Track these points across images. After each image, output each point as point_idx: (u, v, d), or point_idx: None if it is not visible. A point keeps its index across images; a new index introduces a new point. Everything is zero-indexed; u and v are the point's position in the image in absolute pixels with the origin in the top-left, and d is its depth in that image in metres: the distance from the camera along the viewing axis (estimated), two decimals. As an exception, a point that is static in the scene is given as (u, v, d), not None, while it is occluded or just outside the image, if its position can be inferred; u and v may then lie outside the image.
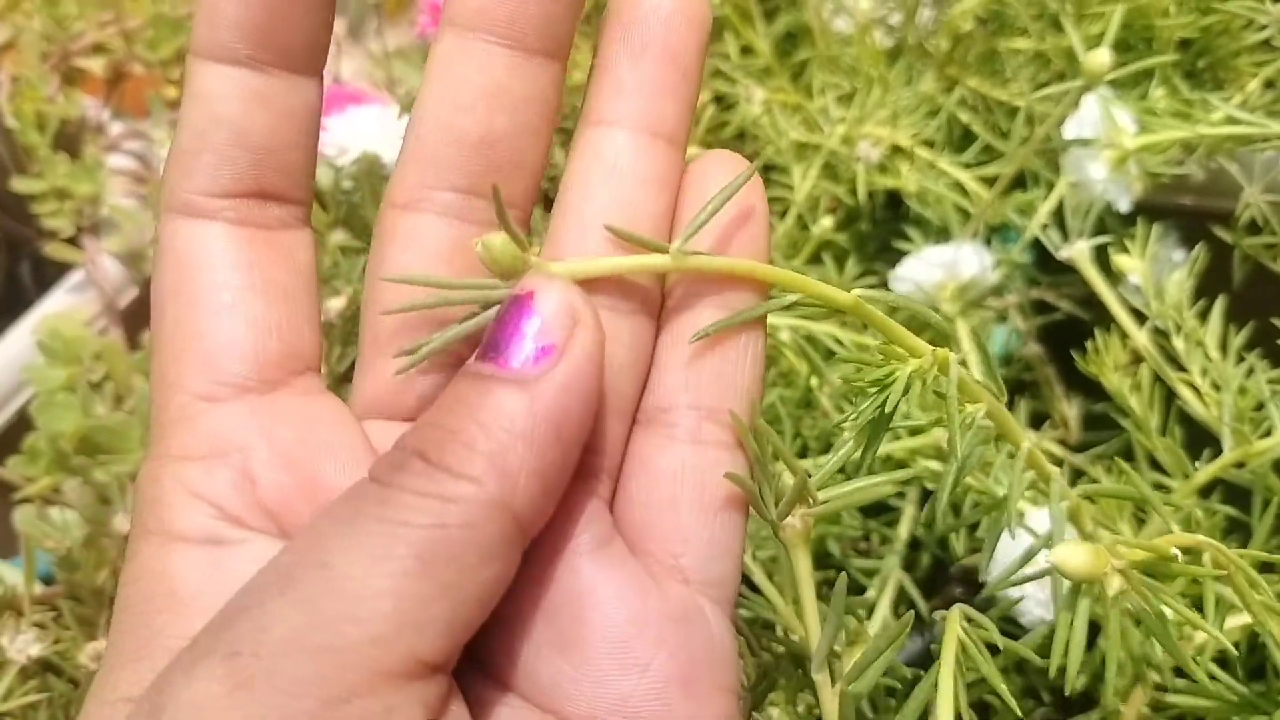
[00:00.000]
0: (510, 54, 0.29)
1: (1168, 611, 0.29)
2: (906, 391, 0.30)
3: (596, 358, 0.27)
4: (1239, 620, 0.40)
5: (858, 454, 0.32)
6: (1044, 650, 0.35)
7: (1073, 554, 0.26)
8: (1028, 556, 0.35)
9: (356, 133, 0.54)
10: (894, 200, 0.67)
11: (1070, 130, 0.50)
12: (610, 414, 0.30)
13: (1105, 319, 0.53)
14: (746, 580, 0.43)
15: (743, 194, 0.30)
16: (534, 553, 0.28)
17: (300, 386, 0.30)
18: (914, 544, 0.57)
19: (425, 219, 0.30)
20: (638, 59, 0.29)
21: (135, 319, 0.76)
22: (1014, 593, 0.43)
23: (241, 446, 0.28)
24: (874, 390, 0.30)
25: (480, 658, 0.28)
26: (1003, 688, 0.29)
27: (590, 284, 0.29)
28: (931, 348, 0.31)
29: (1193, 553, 0.31)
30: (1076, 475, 0.56)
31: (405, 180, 0.30)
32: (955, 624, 0.31)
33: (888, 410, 0.30)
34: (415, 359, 0.29)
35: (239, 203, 0.29)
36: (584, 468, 0.29)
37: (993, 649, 0.34)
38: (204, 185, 0.29)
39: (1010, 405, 0.58)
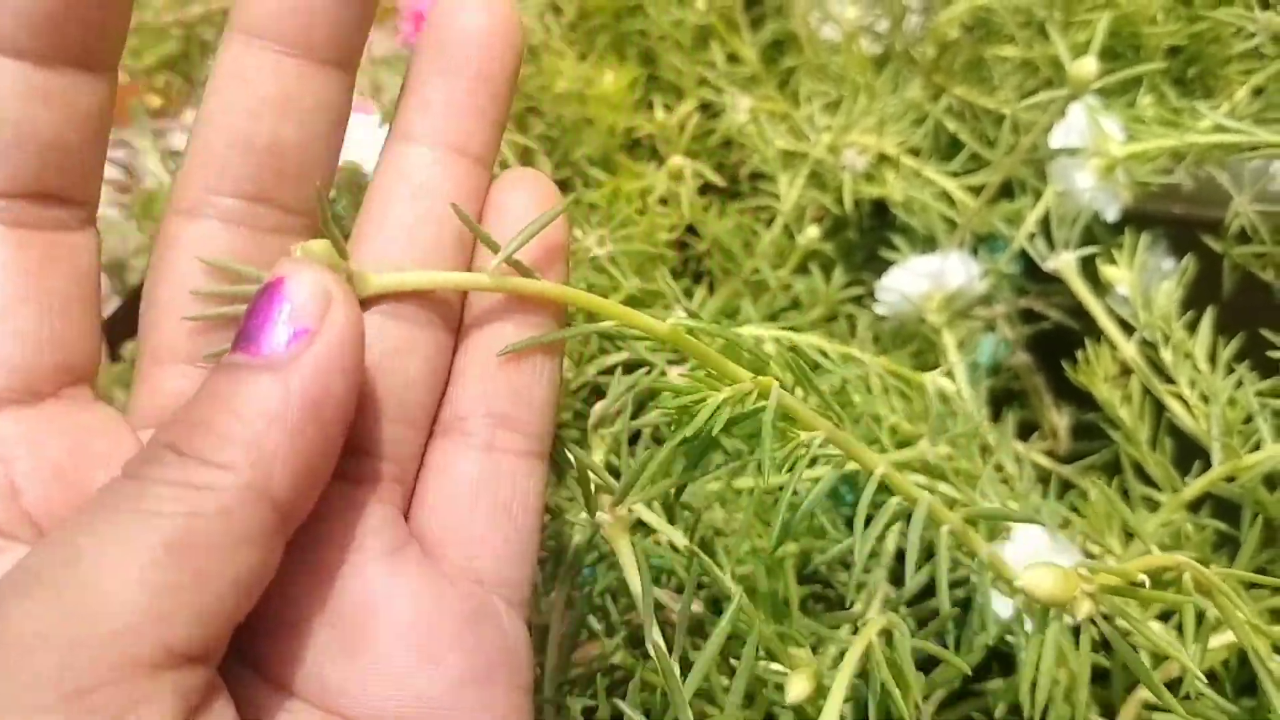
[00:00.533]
0: (299, 63, 0.29)
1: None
2: (714, 416, 0.31)
3: (353, 338, 0.26)
4: (1227, 637, 0.40)
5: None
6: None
7: (1041, 578, 0.26)
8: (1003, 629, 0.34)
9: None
10: (882, 209, 0.67)
11: (1057, 139, 0.49)
12: (406, 424, 0.30)
13: (1095, 328, 0.52)
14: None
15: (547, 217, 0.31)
16: (320, 560, 0.28)
17: (72, 397, 0.29)
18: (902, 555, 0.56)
19: (209, 225, 0.29)
20: (447, 78, 0.30)
21: (118, 329, 0.75)
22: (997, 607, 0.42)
23: (4, 458, 0.27)
24: (686, 416, 0.31)
25: (263, 664, 0.28)
26: (896, 692, 0.30)
27: (391, 296, 0.30)
28: (753, 375, 0.31)
29: (1172, 573, 0.30)
30: (1066, 486, 0.56)
31: (189, 186, 0.29)
32: (870, 632, 0.30)
33: (692, 435, 0.31)
34: (203, 316, 0.29)
35: (16, 203, 0.28)
36: (376, 475, 0.30)
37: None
38: None
39: (998, 415, 0.58)
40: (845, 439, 0.34)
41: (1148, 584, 0.27)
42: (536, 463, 0.31)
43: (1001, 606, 0.42)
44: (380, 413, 0.30)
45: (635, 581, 0.32)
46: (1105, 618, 0.29)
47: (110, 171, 0.83)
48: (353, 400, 0.27)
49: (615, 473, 0.45)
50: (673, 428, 0.32)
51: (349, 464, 0.29)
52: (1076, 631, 0.29)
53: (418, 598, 0.29)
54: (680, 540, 0.42)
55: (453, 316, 0.31)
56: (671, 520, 0.47)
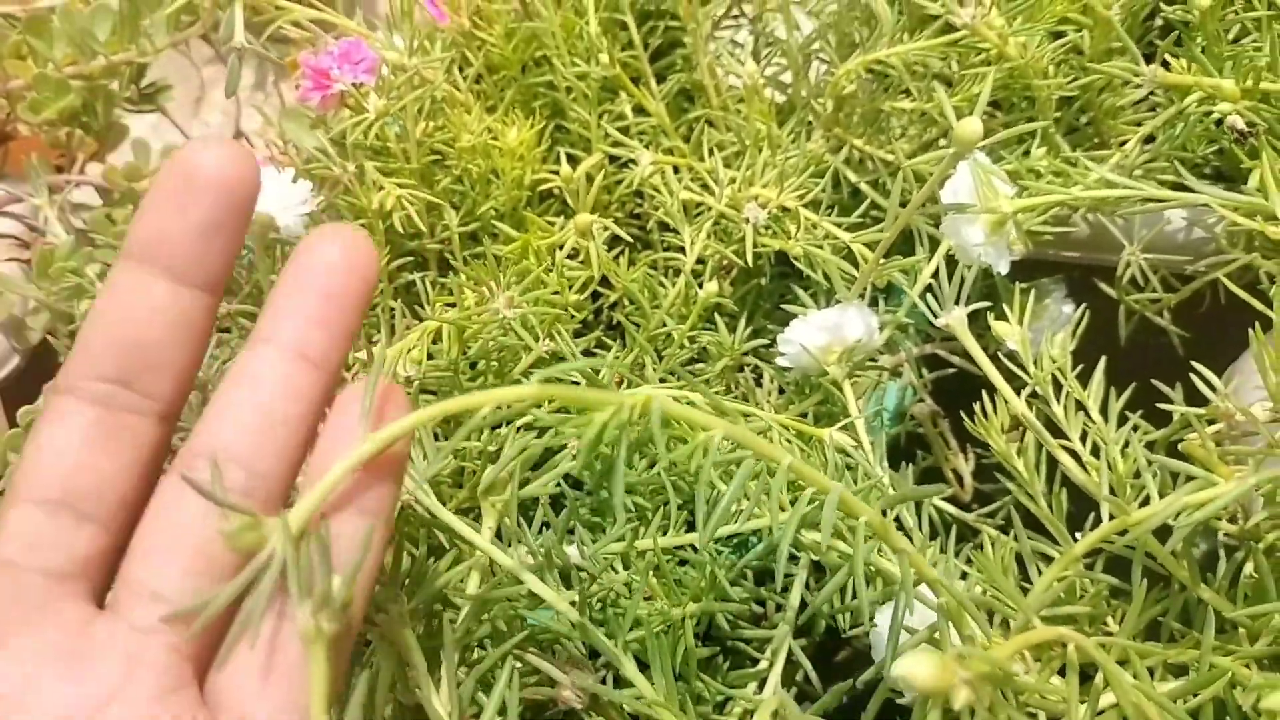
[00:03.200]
0: (169, 284, 0.34)
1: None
2: (603, 430, 0.32)
3: None
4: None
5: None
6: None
7: (918, 666, 0.26)
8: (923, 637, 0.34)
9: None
10: (789, 259, 0.67)
11: (946, 195, 0.50)
12: (207, 578, 0.33)
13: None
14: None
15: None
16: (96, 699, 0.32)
17: None
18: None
19: (78, 402, 0.34)
20: (300, 294, 0.35)
21: (15, 392, 0.73)
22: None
23: None
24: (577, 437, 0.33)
25: None
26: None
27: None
28: (631, 395, 0.33)
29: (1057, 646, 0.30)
30: (971, 532, 0.56)
31: (70, 373, 0.34)
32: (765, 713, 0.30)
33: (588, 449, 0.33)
34: (194, 620, 0.31)
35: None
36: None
37: None
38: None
39: (898, 464, 0.58)
40: (743, 434, 0.34)
41: (1026, 669, 0.27)
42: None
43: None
44: (190, 569, 0.33)
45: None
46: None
47: (9, 227, 0.81)
48: None
49: (507, 540, 0.45)
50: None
51: (139, 612, 0.33)
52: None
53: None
54: (566, 609, 0.42)
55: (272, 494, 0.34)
56: (568, 585, 0.46)
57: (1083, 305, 0.55)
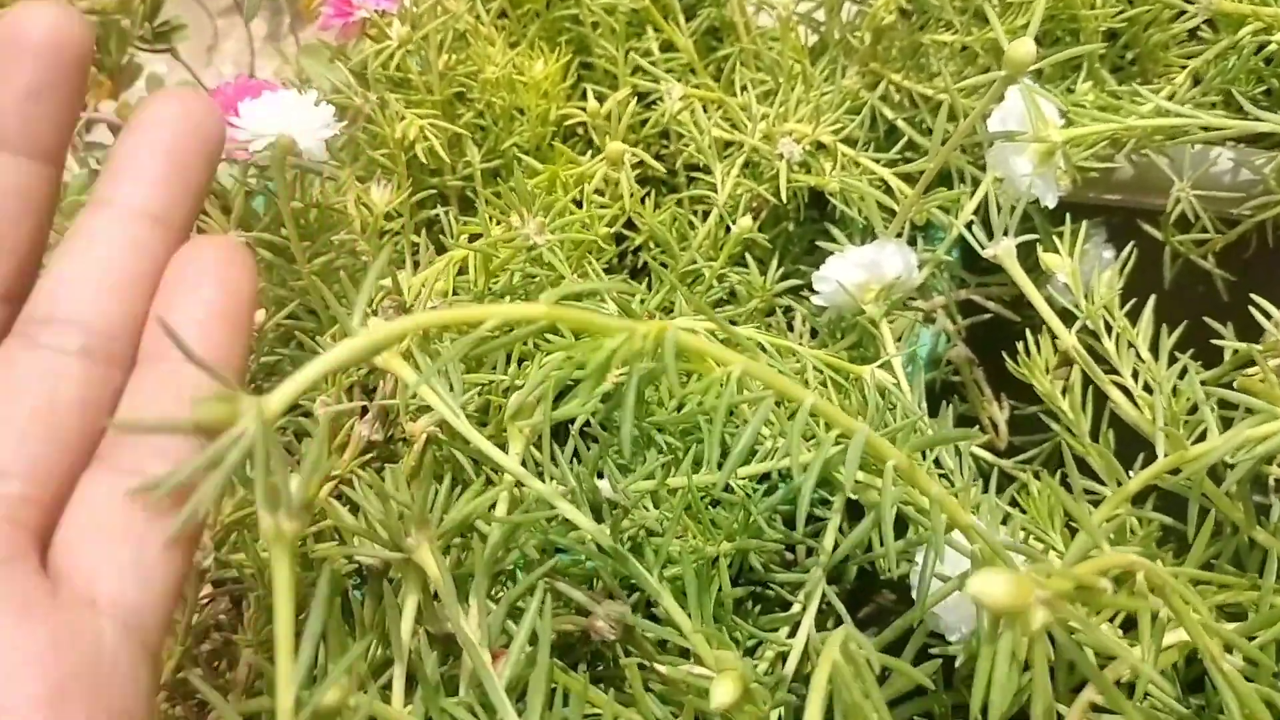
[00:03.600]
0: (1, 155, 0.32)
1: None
2: (609, 359, 0.31)
3: None
4: (1179, 635, 0.38)
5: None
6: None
7: (993, 584, 0.24)
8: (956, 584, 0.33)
9: (271, 117, 0.51)
10: (821, 200, 0.65)
11: (994, 123, 0.48)
12: (57, 449, 0.31)
13: (1035, 319, 0.51)
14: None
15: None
16: None
17: None
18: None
19: None
20: (139, 153, 0.33)
21: None
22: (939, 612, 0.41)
23: None
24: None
25: None
26: (873, 716, 0.27)
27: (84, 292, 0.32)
28: (645, 324, 0.31)
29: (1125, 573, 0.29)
30: (1006, 480, 0.54)
31: None
32: (833, 649, 0.28)
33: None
34: (151, 492, 0.29)
35: None
36: (13, 496, 0.30)
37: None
38: None
39: (936, 409, 0.57)
40: (764, 370, 0.32)
41: (1109, 587, 0.25)
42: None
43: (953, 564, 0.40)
44: (27, 432, 0.30)
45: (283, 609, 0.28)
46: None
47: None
48: None
49: (539, 469, 0.43)
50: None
51: None
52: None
53: None
54: (605, 540, 0.40)
55: (125, 352, 0.32)
56: (599, 519, 0.45)
57: (1130, 244, 0.53)
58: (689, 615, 0.40)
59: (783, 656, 0.48)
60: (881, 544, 0.46)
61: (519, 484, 0.40)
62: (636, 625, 0.40)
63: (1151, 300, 0.48)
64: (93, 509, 0.31)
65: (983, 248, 0.48)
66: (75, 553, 0.30)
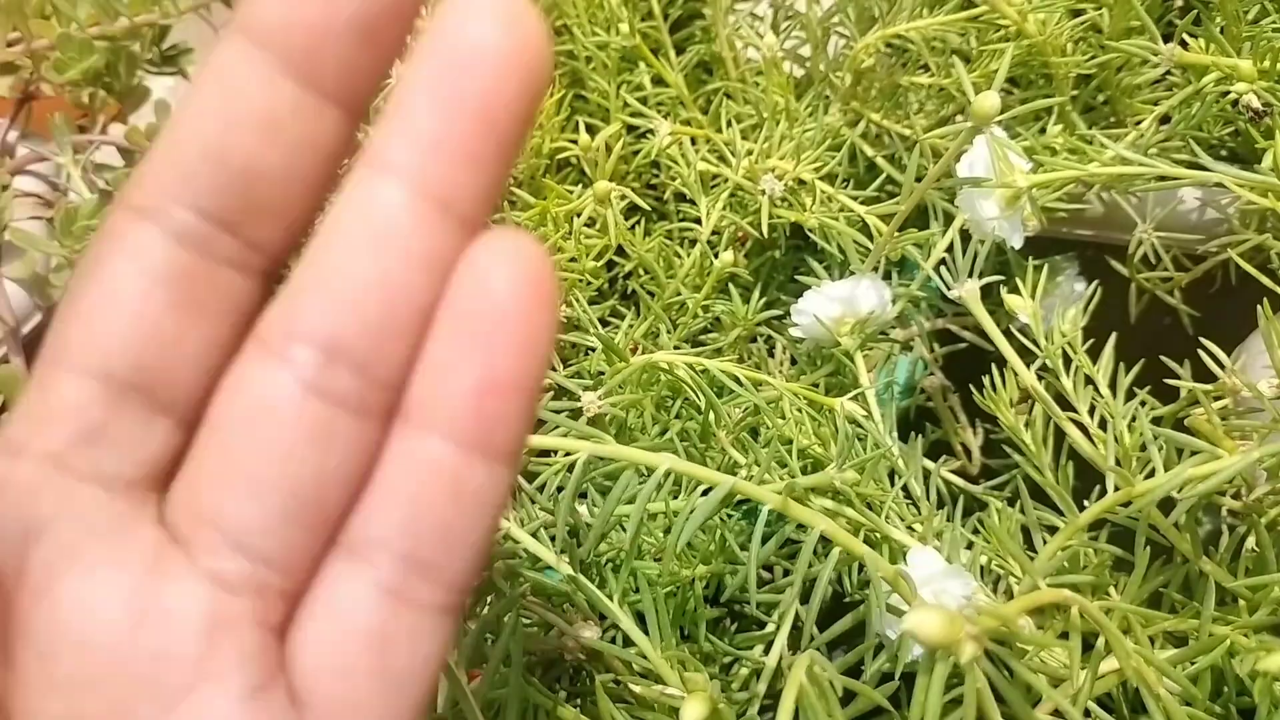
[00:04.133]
0: (298, 90, 0.24)
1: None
2: None
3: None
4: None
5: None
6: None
7: (927, 620, 0.27)
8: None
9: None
10: (804, 232, 0.68)
11: (963, 169, 0.50)
12: (305, 527, 0.24)
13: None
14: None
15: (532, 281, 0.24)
16: (163, 679, 0.23)
17: None
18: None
19: (161, 237, 0.24)
20: (443, 109, 0.24)
21: (38, 347, 0.74)
22: (891, 632, 0.43)
23: None
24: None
25: None
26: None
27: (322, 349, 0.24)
28: None
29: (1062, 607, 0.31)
30: (979, 505, 0.57)
31: (148, 185, 0.24)
32: (799, 672, 0.31)
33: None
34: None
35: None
36: (260, 585, 0.24)
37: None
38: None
39: (913, 435, 0.59)
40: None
41: (1029, 626, 0.28)
42: (446, 619, 0.25)
43: (892, 630, 0.43)
44: (279, 508, 0.24)
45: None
46: (990, 655, 0.29)
47: (33, 186, 0.82)
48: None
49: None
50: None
51: (225, 563, 0.24)
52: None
53: None
54: (564, 568, 0.43)
55: (384, 401, 0.25)
56: (579, 543, 0.47)
57: (1094, 283, 0.55)
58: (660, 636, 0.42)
59: (757, 673, 0.50)
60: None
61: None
62: (600, 648, 0.42)
63: (1113, 338, 0.51)
64: (343, 626, 0.25)
65: (948, 288, 0.51)
66: (319, 672, 0.25)
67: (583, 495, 0.50)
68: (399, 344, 0.24)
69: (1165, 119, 0.62)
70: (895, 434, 0.56)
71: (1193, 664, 0.41)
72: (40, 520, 0.23)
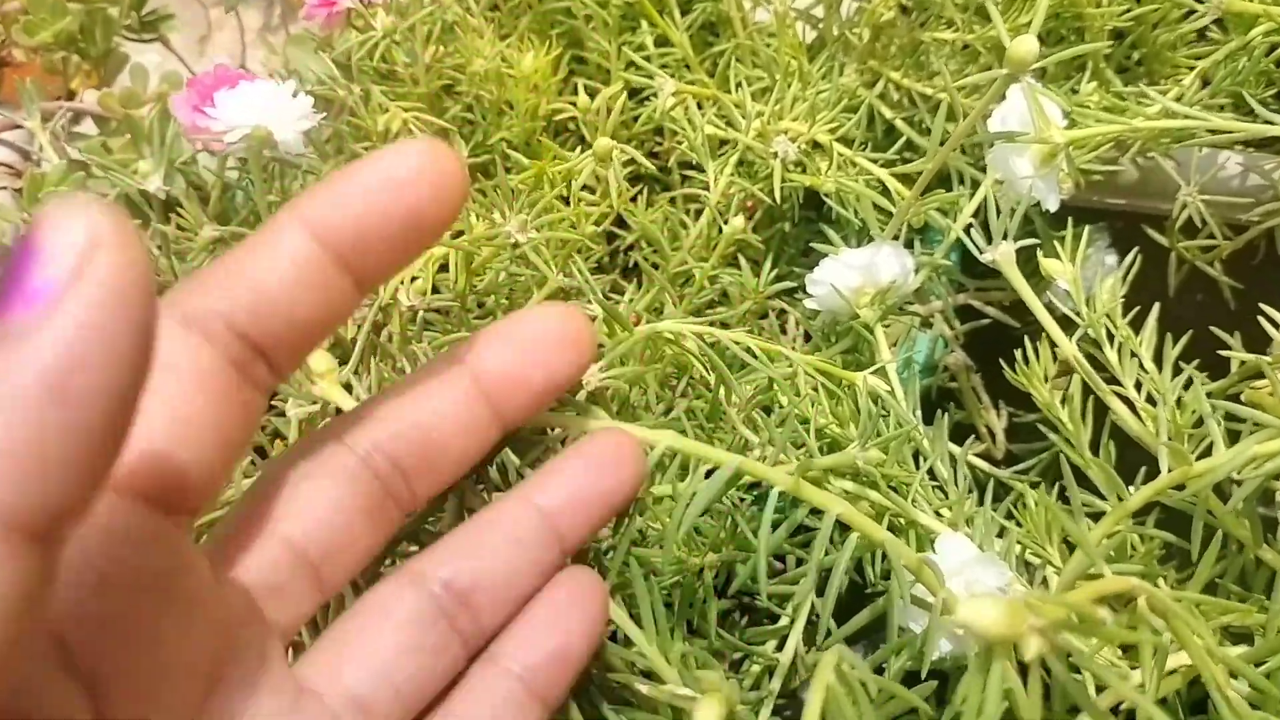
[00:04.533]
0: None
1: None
2: None
3: (122, 290, 0.21)
4: (1181, 659, 0.37)
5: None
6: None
7: (984, 611, 0.22)
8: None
9: (247, 107, 0.49)
10: (818, 201, 0.63)
11: (994, 123, 0.46)
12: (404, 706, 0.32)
13: (1035, 325, 0.49)
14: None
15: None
16: None
17: None
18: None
19: (361, 468, 0.32)
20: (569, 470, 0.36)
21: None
22: (915, 626, 0.39)
23: None
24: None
25: None
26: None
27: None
28: None
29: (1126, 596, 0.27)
30: (1003, 490, 0.53)
31: (359, 435, 0.33)
32: (827, 670, 0.27)
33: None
34: None
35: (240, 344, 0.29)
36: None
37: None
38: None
39: (932, 416, 0.55)
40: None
41: (1107, 618, 0.24)
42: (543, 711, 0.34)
43: (916, 623, 0.39)
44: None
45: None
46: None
47: (3, 155, 0.78)
48: (126, 375, 0.21)
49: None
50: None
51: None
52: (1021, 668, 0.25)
53: None
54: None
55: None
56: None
57: (1135, 250, 0.51)
58: (670, 630, 0.38)
59: (770, 671, 0.46)
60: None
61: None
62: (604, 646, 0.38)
63: (1155, 308, 0.47)
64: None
65: (981, 252, 0.47)
66: None
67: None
68: (509, 611, 0.34)
69: (1205, 79, 0.57)
70: (919, 413, 0.52)
71: (1260, 665, 0.37)
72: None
